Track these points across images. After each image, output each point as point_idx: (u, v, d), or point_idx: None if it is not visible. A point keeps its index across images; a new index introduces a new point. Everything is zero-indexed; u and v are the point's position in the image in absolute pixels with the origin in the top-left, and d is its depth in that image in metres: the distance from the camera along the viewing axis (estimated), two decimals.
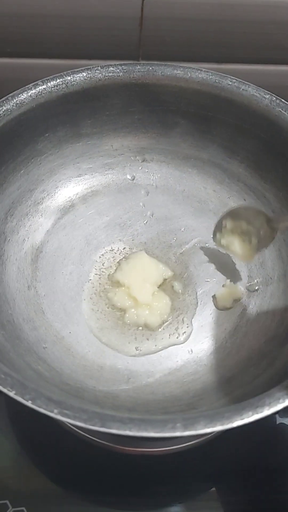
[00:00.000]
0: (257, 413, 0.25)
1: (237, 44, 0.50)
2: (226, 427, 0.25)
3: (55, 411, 0.26)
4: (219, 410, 0.26)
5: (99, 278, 0.41)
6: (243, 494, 0.38)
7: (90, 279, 0.41)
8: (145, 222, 0.44)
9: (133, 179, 0.46)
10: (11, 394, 0.27)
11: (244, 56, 0.50)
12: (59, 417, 0.26)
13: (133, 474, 0.39)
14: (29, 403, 0.26)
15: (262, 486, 0.39)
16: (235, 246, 0.40)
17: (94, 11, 0.46)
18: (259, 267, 0.41)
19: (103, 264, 0.42)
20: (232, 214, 0.40)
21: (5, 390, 0.27)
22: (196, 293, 0.41)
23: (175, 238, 0.43)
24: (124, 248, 0.43)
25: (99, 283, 0.41)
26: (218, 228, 0.41)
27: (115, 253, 0.43)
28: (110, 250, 0.43)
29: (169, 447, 0.37)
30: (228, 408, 0.26)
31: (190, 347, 0.38)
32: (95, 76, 0.40)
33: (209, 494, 0.38)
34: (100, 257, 0.43)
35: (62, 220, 0.44)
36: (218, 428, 0.25)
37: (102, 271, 0.42)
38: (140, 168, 0.46)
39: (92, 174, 0.45)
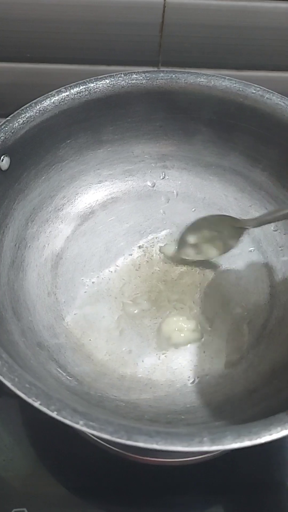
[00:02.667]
0: (285, 429, 0.25)
1: (258, 51, 0.49)
2: (254, 443, 0.25)
3: (81, 422, 0.26)
4: (246, 425, 0.26)
5: (119, 285, 0.41)
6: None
7: (110, 287, 0.41)
8: (165, 229, 0.44)
9: (154, 186, 0.46)
10: (36, 404, 0.26)
11: (265, 63, 0.50)
12: (84, 429, 0.25)
13: (150, 484, 0.39)
14: (54, 414, 0.26)
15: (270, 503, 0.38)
16: (201, 254, 0.42)
17: (115, 17, 0.46)
18: (282, 277, 0.41)
19: (122, 271, 0.42)
20: (191, 229, 0.43)
21: (30, 401, 0.27)
22: (218, 302, 0.40)
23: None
24: (144, 256, 0.43)
25: (119, 291, 0.41)
26: (181, 245, 0.43)
27: (135, 260, 0.43)
28: (130, 257, 0.43)
29: (189, 457, 0.37)
30: (256, 423, 0.26)
31: (212, 357, 0.38)
32: (118, 83, 0.40)
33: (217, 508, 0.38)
34: (119, 263, 0.42)
35: (82, 227, 0.43)
36: (246, 443, 0.25)
37: (122, 279, 0.42)
38: (160, 175, 0.46)
39: (112, 181, 0.45)
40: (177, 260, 0.43)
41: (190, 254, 0.42)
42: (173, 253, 0.43)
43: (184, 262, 0.43)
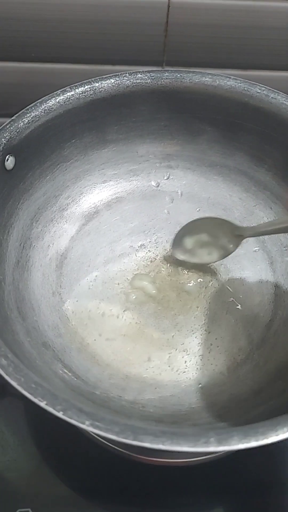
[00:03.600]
0: None
1: (263, 51, 0.49)
2: (261, 443, 0.25)
3: (87, 422, 0.25)
4: (253, 425, 0.25)
5: (124, 285, 0.41)
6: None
7: (115, 286, 0.41)
8: (169, 229, 0.44)
9: (158, 186, 0.46)
10: (42, 404, 0.26)
11: (270, 62, 0.50)
12: (90, 429, 0.25)
13: (153, 484, 0.39)
14: (60, 414, 0.26)
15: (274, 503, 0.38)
16: (197, 258, 0.42)
17: (119, 17, 0.46)
18: (286, 277, 0.40)
19: (127, 271, 0.42)
20: (187, 230, 0.41)
21: (35, 401, 0.27)
22: (222, 302, 0.40)
23: None
24: (148, 255, 0.43)
25: (124, 290, 0.41)
26: (176, 246, 0.42)
27: (139, 259, 0.43)
28: (134, 257, 0.43)
29: (193, 458, 0.37)
30: (262, 423, 0.25)
31: (217, 358, 0.38)
32: (123, 82, 0.40)
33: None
34: (124, 263, 0.42)
35: (86, 227, 0.43)
36: (253, 444, 0.25)
37: (127, 278, 0.42)
38: (165, 175, 0.46)
39: (117, 181, 0.45)
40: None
41: (183, 256, 0.42)
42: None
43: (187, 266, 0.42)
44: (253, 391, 0.34)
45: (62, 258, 0.42)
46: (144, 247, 0.43)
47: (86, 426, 0.25)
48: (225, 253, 0.41)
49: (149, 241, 0.43)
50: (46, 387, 0.27)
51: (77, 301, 0.40)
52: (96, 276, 0.41)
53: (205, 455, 0.37)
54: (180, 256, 0.42)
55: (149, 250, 0.43)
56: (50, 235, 0.42)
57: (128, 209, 0.45)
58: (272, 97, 0.39)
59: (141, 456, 0.38)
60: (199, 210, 0.45)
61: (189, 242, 0.42)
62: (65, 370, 0.35)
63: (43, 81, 0.51)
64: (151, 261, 0.43)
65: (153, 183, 0.46)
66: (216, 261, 0.42)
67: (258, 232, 0.38)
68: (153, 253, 0.43)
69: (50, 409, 0.26)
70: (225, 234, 0.40)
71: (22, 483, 0.38)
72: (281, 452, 0.40)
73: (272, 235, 0.42)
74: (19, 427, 0.41)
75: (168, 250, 0.43)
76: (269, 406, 0.32)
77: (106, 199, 0.45)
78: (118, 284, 0.41)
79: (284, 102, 0.39)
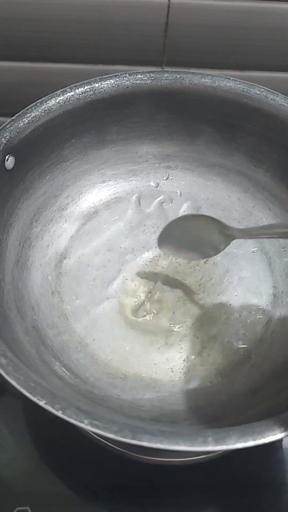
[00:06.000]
0: None
1: (262, 51, 0.49)
2: (258, 443, 0.25)
3: (86, 421, 0.26)
4: (250, 425, 0.26)
5: (122, 284, 0.41)
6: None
7: (113, 286, 0.41)
8: None
9: (157, 186, 0.46)
10: (41, 403, 0.26)
11: (269, 63, 0.50)
12: (89, 427, 0.26)
13: (152, 483, 0.39)
14: (59, 413, 0.26)
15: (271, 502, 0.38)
16: (183, 255, 0.41)
17: (119, 17, 0.46)
18: (285, 277, 0.41)
19: (126, 271, 0.42)
20: (177, 225, 0.40)
21: (35, 399, 0.27)
22: (221, 302, 0.40)
23: None
24: (147, 255, 0.43)
25: (122, 290, 0.41)
26: (164, 239, 0.40)
27: (138, 260, 0.43)
28: (133, 256, 0.43)
29: (192, 457, 0.37)
30: (260, 423, 0.26)
31: (214, 358, 0.38)
32: (123, 83, 0.40)
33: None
34: (123, 263, 0.42)
35: (86, 226, 0.44)
36: (250, 443, 0.25)
37: (126, 278, 0.42)
38: (164, 175, 0.46)
39: (116, 181, 0.45)
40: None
41: (169, 251, 0.41)
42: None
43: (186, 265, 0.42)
44: (250, 391, 0.35)
45: (61, 258, 0.42)
46: (143, 247, 0.43)
47: (84, 425, 0.26)
48: (213, 252, 0.39)
49: (148, 241, 0.44)
50: (45, 386, 0.27)
51: (76, 300, 0.40)
52: (95, 275, 0.42)
53: (203, 455, 0.38)
54: (166, 251, 0.41)
55: (148, 250, 0.43)
56: (49, 234, 0.42)
57: (128, 209, 0.45)
58: (271, 98, 0.39)
59: (139, 455, 0.38)
60: (198, 210, 0.45)
61: (176, 238, 0.40)
62: (64, 369, 0.35)
63: (43, 81, 0.51)
64: (150, 261, 0.43)
65: (152, 183, 0.46)
66: (203, 259, 0.41)
67: (249, 234, 0.37)
68: (152, 252, 0.43)
69: (49, 408, 0.26)
70: (214, 232, 0.38)
71: (20, 481, 0.39)
72: (278, 451, 0.40)
73: None
74: (17, 426, 0.41)
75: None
76: (266, 406, 0.32)
77: (106, 199, 0.45)
78: (117, 283, 0.41)
79: (283, 103, 0.39)
